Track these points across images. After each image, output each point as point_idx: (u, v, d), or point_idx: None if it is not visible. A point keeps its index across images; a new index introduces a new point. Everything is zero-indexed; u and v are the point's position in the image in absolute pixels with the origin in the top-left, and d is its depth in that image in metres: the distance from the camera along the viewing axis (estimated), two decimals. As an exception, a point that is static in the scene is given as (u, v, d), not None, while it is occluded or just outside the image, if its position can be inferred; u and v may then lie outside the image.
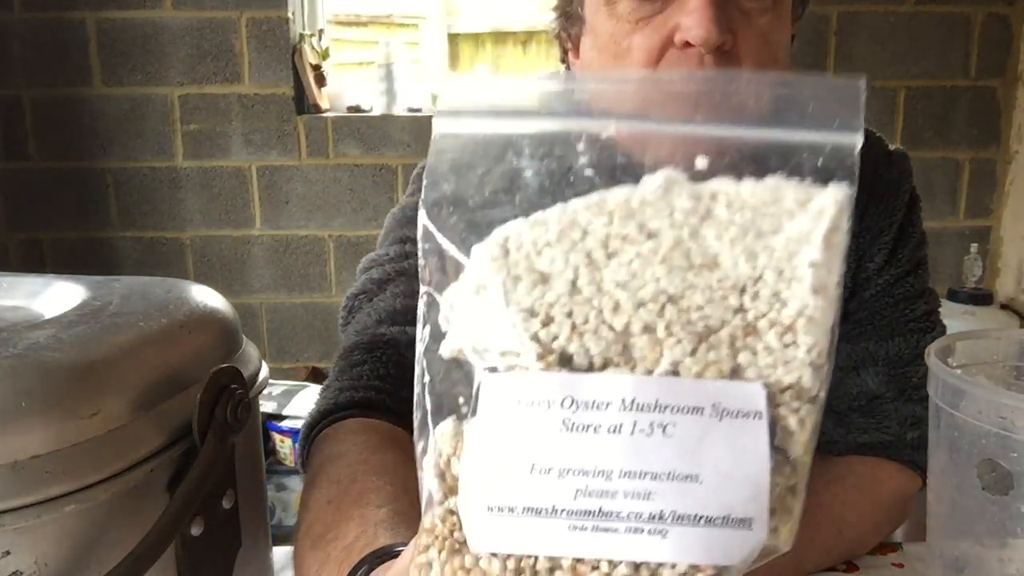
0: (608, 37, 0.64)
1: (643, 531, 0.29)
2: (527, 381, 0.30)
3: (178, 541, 0.46)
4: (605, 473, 0.29)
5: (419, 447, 0.33)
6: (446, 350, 0.33)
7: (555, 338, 0.31)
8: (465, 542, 0.30)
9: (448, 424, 0.32)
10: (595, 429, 0.29)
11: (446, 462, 0.32)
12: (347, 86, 2.45)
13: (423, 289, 0.34)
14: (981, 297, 2.17)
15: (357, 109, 2.35)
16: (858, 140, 0.31)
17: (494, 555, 0.30)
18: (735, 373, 0.30)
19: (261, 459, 0.58)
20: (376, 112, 2.36)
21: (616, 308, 0.31)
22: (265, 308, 2.43)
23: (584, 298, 0.31)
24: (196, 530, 0.46)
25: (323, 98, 2.37)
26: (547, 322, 0.31)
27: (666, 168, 0.32)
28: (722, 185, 0.32)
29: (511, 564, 0.30)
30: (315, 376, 2.35)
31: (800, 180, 0.31)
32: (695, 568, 0.29)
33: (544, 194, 0.33)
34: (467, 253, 0.33)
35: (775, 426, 0.30)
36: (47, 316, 0.49)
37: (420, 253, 0.34)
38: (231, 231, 2.38)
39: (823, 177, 0.31)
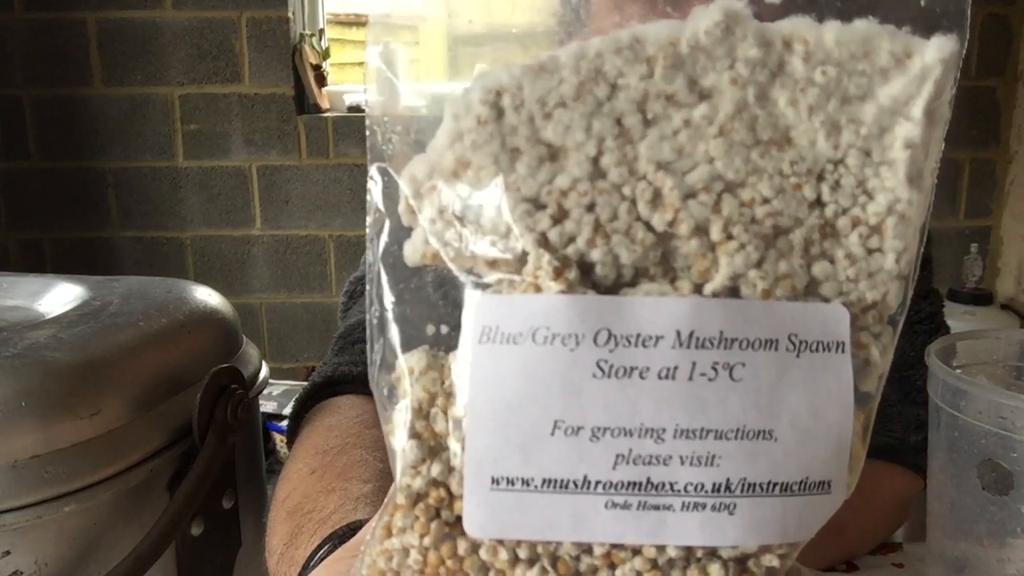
0: None
1: (705, 507, 0.22)
2: (543, 306, 0.22)
3: (178, 541, 0.46)
4: (655, 432, 0.22)
5: (380, 395, 0.25)
6: (413, 253, 0.24)
7: (571, 241, 0.23)
8: (458, 523, 0.23)
9: (419, 357, 0.24)
10: (642, 373, 0.22)
11: (423, 411, 0.24)
12: (347, 86, 2.45)
13: (374, 167, 0.25)
14: (981, 297, 2.18)
15: (357, 109, 2.35)
16: None
17: (500, 542, 0.23)
18: (809, 290, 0.23)
19: (261, 459, 0.58)
20: (376, 112, 2.36)
21: (656, 199, 0.23)
22: (265, 308, 2.43)
23: (611, 184, 0.23)
24: (196, 530, 0.46)
25: (323, 98, 2.37)
26: (559, 217, 0.23)
27: None
28: (799, 27, 0.23)
29: (523, 552, 0.23)
30: (315, 376, 2.34)
31: (896, 27, 0.23)
32: (764, 548, 0.23)
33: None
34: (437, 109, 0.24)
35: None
36: (47, 316, 0.49)
37: (367, 114, 0.25)
38: (231, 231, 2.38)
39: (925, 25, 0.23)
